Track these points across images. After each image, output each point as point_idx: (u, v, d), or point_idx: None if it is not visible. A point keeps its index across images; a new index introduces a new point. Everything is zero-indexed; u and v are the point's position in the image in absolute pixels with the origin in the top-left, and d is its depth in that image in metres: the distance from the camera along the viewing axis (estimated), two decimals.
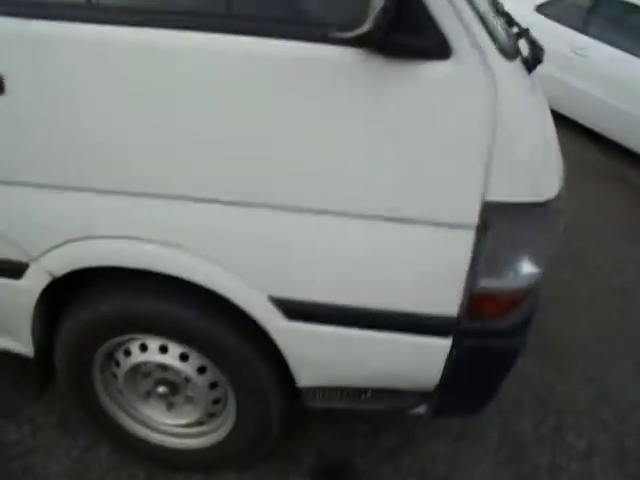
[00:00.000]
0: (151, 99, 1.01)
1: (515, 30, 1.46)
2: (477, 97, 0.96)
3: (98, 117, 1.04)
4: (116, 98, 1.02)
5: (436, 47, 0.93)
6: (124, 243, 1.17)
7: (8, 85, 1.03)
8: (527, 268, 1.13)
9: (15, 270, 1.26)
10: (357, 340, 1.21)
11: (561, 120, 4.83)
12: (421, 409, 1.36)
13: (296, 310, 1.19)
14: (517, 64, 1.07)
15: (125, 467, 1.59)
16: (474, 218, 1.04)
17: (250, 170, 1.05)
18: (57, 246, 1.21)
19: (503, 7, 1.62)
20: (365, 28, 0.86)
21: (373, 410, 1.37)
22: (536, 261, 1.14)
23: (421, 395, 1.32)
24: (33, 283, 1.27)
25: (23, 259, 1.24)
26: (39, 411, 1.71)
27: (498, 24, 1.26)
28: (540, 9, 5.12)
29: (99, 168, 1.09)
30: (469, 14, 0.94)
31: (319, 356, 1.27)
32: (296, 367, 1.30)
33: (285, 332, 1.23)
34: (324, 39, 0.92)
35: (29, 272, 1.26)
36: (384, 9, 0.84)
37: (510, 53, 1.03)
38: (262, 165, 1.04)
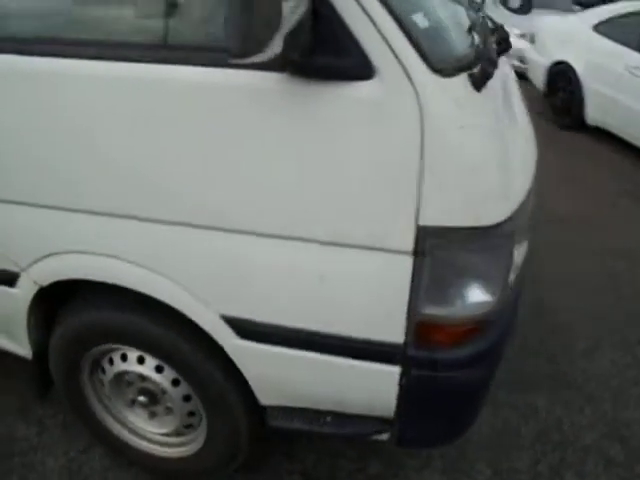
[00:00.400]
0: (81, 125, 1.09)
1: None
2: (401, 117, 0.93)
3: (51, 143, 1.12)
4: (60, 125, 1.10)
5: (358, 67, 0.92)
6: (92, 259, 1.24)
7: None
8: (476, 296, 1.08)
9: (9, 279, 1.37)
10: (308, 363, 1.20)
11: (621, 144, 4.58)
12: (384, 436, 1.32)
13: (247, 330, 1.20)
14: (457, 80, 1.01)
15: (114, 471, 1.65)
16: (409, 243, 1.00)
17: (187, 193, 1.08)
18: (40, 259, 1.30)
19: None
20: (272, 53, 0.88)
21: (335, 434, 1.34)
22: (487, 289, 1.08)
23: (382, 422, 1.28)
24: (24, 291, 1.37)
25: (15, 269, 1.34)
26: (47, 412, 1.82)
27: (459, 34, 1.22)
28: (597, 28, 4.90)
29: (63, 189, 1.17)
30: (394, 32, 0.91)
31: (273, 376, 1.27)
32: (255, 385, 1.31)
33: (239, 351, 1.24)
34: (238, 65, 0.93)
35: (20, 281, 1.36)
36: (292, 32, 0.84)
37: (447, 69, 0.98)
38: (196, 189, 1.07)
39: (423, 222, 0.98)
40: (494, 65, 1.22)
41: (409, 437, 1.31)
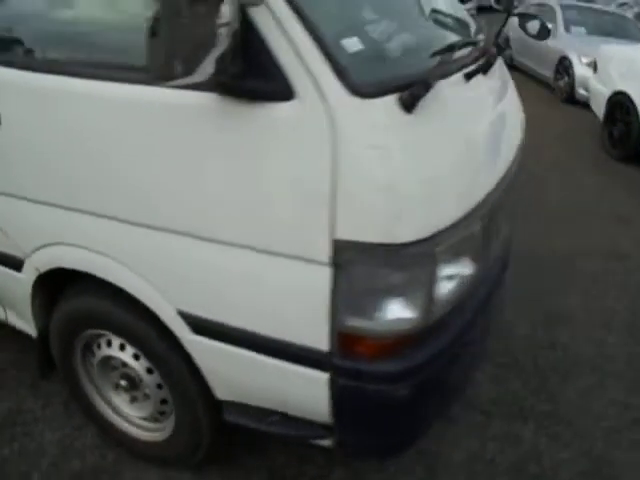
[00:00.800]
0: (63, 135, 1.26)
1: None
2: (316, 137, 1.00)
3: (40, 148, 1.30)
4: (52, 135, 1.27)
5: (279, 89, 1.00)
6: (77, 251, 1.38)
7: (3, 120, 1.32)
8: (396, 312, 1.11)
9: (17, 264, 1.55)
10: (249, 361, 1.27)
11: None
12: (326, 442, 1.36)
13: (199, 325, 1.29)
14: (379, 102, 1.04)
15: (101, 448, 1.78)
16: (325, 254, 1.06)
17: (137, 198, 1.22)
18: (39, 248, 1.46)
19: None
20: (205, 74, 0.97)
21: (281, 434, 1.39)
22: (408, 306, 1.11)
23: (323, 428, 1.32)
24: (28, 276, 1.54)
25: (21, 256, 1.52)
26: (54, 389, 1.98)
27: (404, 55, 1.22)
28: None
29: (56, 189, 1.33)
30: (314, 57, 0.98)
31: (222, 372, 1.35)
32: (209, 379, 1.39)
33: (193, 345, 1.33)
34: (175, 85, 1.04)
35: (25, 267, 1.53)
36: (222, 56, 0.93)
37: (369, 92, 1.02)
38: (143, 195, 1.21)
39: (338, 236, 1.04)
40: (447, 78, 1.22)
41: (349, 445, 1.35)
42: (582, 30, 7.22)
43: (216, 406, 1.46)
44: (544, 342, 2.41)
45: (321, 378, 1.20)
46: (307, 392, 1.25)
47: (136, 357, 1.55)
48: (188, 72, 1.01)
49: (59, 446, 1.79)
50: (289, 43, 0.98)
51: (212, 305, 1.26)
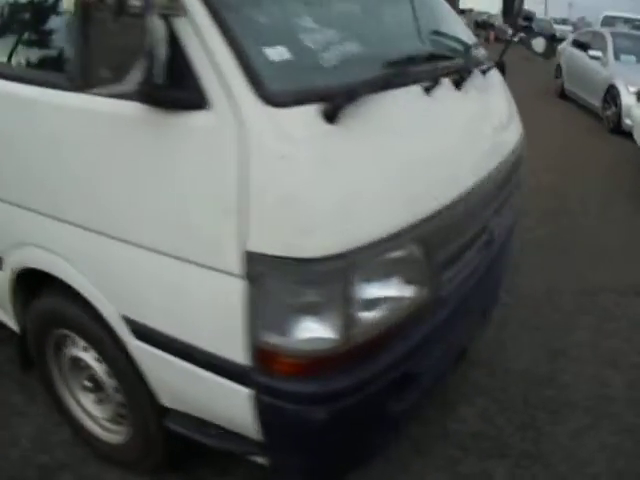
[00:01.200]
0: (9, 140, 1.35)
1: None
2: (227, 147, 1.00)
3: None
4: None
5: (195, 98, 1.01)
6: (38, 251, 1.44)
7: None
8: (312, 331, 1.06)
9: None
10: (184, 370, 1.26)
11: None
12: (261, 459, 1.32)
13: (138, 330, 1.30)
14: (296, 111, 1.02)
15: (73, 445, 1.81)
16: (237, 266, 1.04)
17: (72, 202, 1.27)
18: (11, 247, 1.53)
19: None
20: (132, 83, 0.99)
21: (217, 447, 1.36)
22: (325, 326, 1.06)
23: (256, 444, 1.28)
24: (6, 275, 1.61)
25: (1, 254, 1.59)
26: (42, 386, 2.04)
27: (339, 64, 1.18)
28: None
29: (10, 189, 1.42)
30: (229, 67, 0.99)
31: (162, 378, 1.35)
32: (152, 385, 1.39)
33: (136, 350, 1.35)
34: (105, 94, 1.08)
35: (3, 265, 1.60)
36: (146, 65, 0.96)
37: (287, 102, 1.01)
38: (77, 199, 1.26)
39: (249, 248, 1.02)
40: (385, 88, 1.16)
41: (280, 465, 1.30)
42: (632, 58, 6.89)
43: (163, 413, 1.46)
44: (542, 378, 2.26)
45: (244, 393, 1.17)
46: (234, 406, 1.22)
47: (99, 359, 1.58)
48: (116, 80, 1.04)
49: (34, 440, 1.84)
50: (206, 53, 1.00)
51: (145, 310, 1.27)
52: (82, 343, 1.60)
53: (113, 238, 1.22)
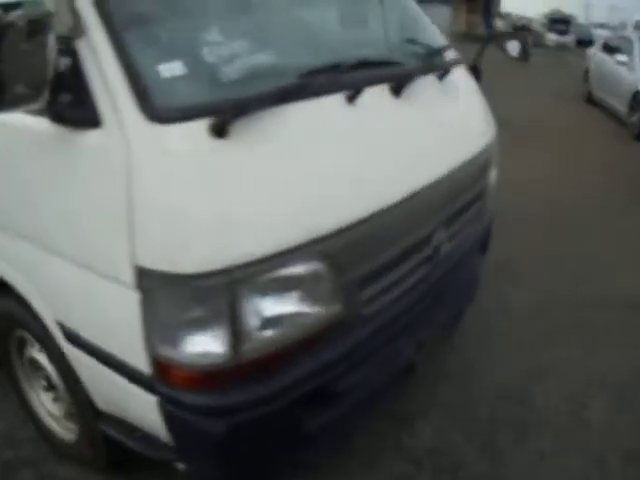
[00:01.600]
0: None
1: None
2: (115, 163, 1.02)
3: None
4: None
5: (90, 117, 1.03)
6: None
7: None
8: (198, 345, 1.06)
9: None
10: (105, 374, 1.29)
11: None
12: (181, 466, 1.32)
13: (68, 334, 1.34)
14: (183, 127, 1.02)
15: (38, 442, 1.85)
16: (130, 279, 1.06)
17: (6, 211, 1.34)
18: None
19: None
20: (43, 101, 1.02)
21: (143, 452, 1.37)
22: (211, 341, 1.06)
23: (174, 451, 1.29)
24: None
25: None
26: None
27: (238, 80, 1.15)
28: None
29: None
30: (118, 85, 1.00)
31: (92, 381, 1.37)
32: (86, 387, 1.41)
33: (68, 352, 1.38)
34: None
35: None
36: (51, 85, 0.99)
37: (174, 118, 1.01)
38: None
39: (138, 263, 1.04)
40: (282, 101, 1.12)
41: (194, 472, 1.30)
42: None
43: (98, 416, 1.48)
44: (514, 396, 2.17)
45: (153, 400, 1.18)
46: (147, 412, 1.23)
47: (50, 360, 1.62)
48: (29, 98, 1.07)
49: (3, 436, 1.90)
50: (100, 72, 1.02)
51: (71, 316, 1.30)
52: (37, 344, 1.64)
53: (39, 245, 1.26)
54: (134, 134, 1.00)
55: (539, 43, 19.25)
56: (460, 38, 15.43)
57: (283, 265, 1.09)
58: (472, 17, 22.08)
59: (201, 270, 1.01)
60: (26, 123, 1.16)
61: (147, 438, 1.34)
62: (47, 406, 1.79)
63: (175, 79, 1.06)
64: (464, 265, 1.89)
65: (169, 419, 1.17)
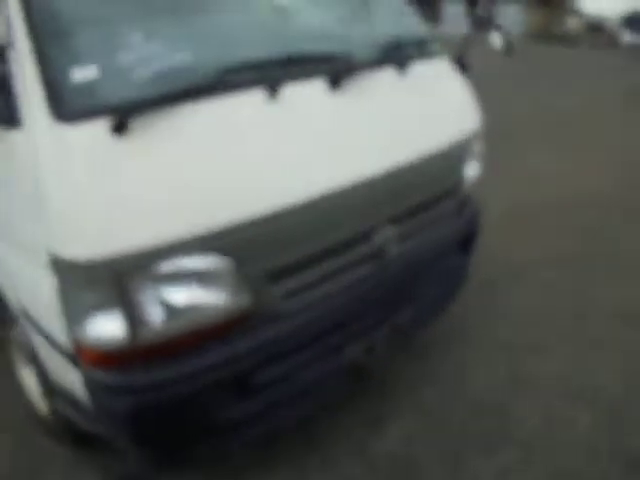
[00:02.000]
0: None
1: None
2: (28, 162, 1.10)
3: None
4: None
5: (12, 117, 1.13)
6: None
7: None
8: (97, 328, 1.12)
9: None
10: (48, 350, 1.37)
11: None
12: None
13: (22, 312, 1.44)
14: (83, 126, 1.07)
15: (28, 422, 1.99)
16: (46, 264, 1.14)
17: None
18: None
19: None
20: None
21: (87, 428, 1.44)
22: (108, 324, 1.11)
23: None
24: None
25: None
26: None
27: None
28: None
29: None
30: (33, 87, 1.08)
31: (43, 356, 1.46)
32: (44, 364, 1.50)
33: (27, 329, 1.49)
34: None
35: None
36: None
37: (76, 117, 1.07)
38: None
39: (49, 250, 1.12)
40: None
41: (122, 448, 1.36)
42: None
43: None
44: (492, 407, 2.07)
45: (78, 374, 1.25)
46: (79, 388, 1.30)
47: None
48: None
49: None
50: (23, 77, 1.10)
51: (20, 294, 1.40)
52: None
53: None
54: (42, 133, 1.07)
55: (613, 43, 18.05)
56: (534, 39, 14.87)
57: (176, 257, 1.12)
58: (547, 15, 20.87)
59: (91, 258, 1.06)
60: None
61: (88, 414, 1.41)
62: (29, 382, 1.92)
63: (86, 82, 1.12)
64: (434, 266, 1.82)
65: (89, 393, 1.25)
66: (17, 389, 2.03)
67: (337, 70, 1.42)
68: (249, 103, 1.26)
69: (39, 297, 1.27)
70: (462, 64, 1.98)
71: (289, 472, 1.76)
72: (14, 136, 1.15)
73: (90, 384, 1.22)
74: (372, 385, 2.14)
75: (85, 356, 1.18)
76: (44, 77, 1.08)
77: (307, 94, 1.36)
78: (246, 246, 1.20)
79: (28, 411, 1.97)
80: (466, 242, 2.06)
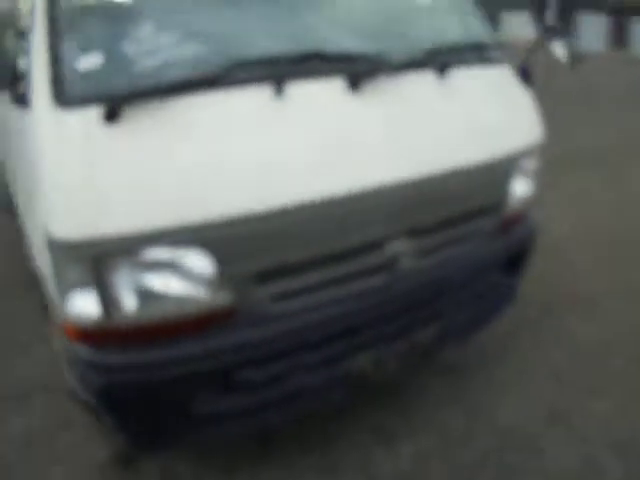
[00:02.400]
0: None
1: None
2: (33, 142, 1.15)
3: None
4: None
5: (26, 99, 1.20)
6: None
7: None
8: (77, 305, 1.14)
9: None
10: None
11: None
12: None
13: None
14: (78, 112, 1.09)
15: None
16: (46, 239, 1.17)
17: None
18: None
19: None
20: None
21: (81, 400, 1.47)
22: (85, 302, 1.13)
23: None
24: None
25: None
26: None
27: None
28: None
29: None
30: (40, 71, 1.13)
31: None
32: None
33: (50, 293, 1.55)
34: None
35: None
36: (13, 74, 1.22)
37: (74, 102, 1.10)
38: None
39: (46, 227, 1.14)
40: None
41: (107, 425, 1.37)
42: None
43: None
44: (520, 439, 1.87)
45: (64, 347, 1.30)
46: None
47: None
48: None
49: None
50: (35, 63, 1.16)
51: (41, 261, 1.43)
52: None
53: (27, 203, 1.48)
54: (43, 115, 1.12)
55: None
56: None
57: (158, 247, 1.11)
58: None
59: (75, 238, 1.08)
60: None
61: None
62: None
63: (86, 71, 1.15)
64: (468, 284, 1.68)
65: (70, 367, 1.29)
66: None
67: (357, 71, 1.34)
68: (249, 99, 1.22)
69: (48, 271, 1.32)
70: (525, 73, 1.81)
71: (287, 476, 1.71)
72: (27, 116, 1.22)
73: (70, 357, 1.26)
74: (392, 398, 2.04)
75: (67, 330, 1.21)
76: (51, 63, 1.14)
77: (320, 93, 1.30)
78: (233, 244, 1.16)
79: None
80: (514, 262, 1.89)
